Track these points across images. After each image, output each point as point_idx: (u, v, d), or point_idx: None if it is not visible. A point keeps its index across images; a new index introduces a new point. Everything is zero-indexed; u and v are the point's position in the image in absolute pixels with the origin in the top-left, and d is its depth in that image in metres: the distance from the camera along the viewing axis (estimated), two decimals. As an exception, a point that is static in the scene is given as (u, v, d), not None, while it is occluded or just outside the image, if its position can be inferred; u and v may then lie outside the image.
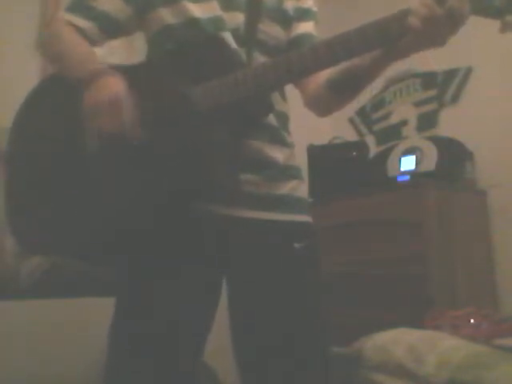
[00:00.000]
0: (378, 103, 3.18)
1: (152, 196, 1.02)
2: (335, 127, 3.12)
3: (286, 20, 1.19)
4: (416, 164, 2.49)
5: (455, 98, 2.79)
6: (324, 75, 1.13)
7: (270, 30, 1.16)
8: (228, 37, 1.09)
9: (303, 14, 1.22)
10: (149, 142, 1.01)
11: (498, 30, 0.90)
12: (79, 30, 1.13)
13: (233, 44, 1.09)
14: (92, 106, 1.01)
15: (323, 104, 1.20)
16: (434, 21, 0.89)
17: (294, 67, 0.98)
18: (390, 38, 0.94)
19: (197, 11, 1.11)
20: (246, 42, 1.11)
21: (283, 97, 1.19)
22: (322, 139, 2.95)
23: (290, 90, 1.22)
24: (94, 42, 1.15)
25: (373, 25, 0.93)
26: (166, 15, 1.12)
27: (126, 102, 0.99)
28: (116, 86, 1.01)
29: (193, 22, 1.10)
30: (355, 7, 3.15)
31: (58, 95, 1.14)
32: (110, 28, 1.15)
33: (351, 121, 3.33)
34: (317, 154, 2.83)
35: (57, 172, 1.08)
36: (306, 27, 1.21)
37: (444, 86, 2.83)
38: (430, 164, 2.43)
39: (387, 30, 0.93)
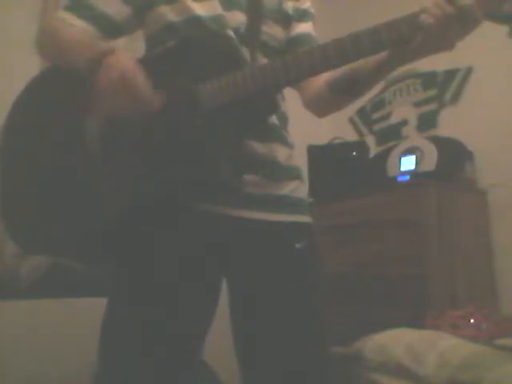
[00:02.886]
0: (378, 103, 3.18)
1: (153, 195, 1.02)
2: (335, 127, 3.12)
3: (286, 20, 1.19)
4: (416, 164, 2.49)
5: (455, 98, 2.79)
6: (325, 76, 1.13)
7: (272, 31, 1.16)
8: (231, 35, 1.09)
9: (302, 15, 1.22)
10: (151, 138, 1.01)
11: (507, 35, 0.91)
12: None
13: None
14: (106, 85, 0.96)
15: (323, 105, 1.20)
16: (446, 20, 0.90)
17: (304, 66, 0.97)
18: (401, 39, 0.93)
19: (199, 9, 1.10)
20: (250, 43, 1.11)
21: (282, 97, 1.19)
22: (321, 139, 2.95)
23: (289, 90, 1.22)
24: None
25: (384, 25, 0.93)
26: (168, 13, 1.11)
27: (139, 75, 0.96)
28: (127, 60, 0.97)
29: (195, 20, 1.10)
30: (355, 7, 3.16)
31: (55, 89, 1.12)
32: (109, 29, 1.14)
33: (351, 121, 3.33)
34: (317, 154, 2.82)
35: (53, 171, 1.07)
36: (304, 27, 1.21)
37: (444, 86, 2.83)
38: (430, 164, 2.43)
39: (398, 31, 0.92)
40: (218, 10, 1.11)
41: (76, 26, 1.11)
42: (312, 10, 1.25)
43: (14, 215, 1.11)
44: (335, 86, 1.12)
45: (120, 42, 1.21)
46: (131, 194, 1.02)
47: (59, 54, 1.10)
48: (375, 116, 3.21)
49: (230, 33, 1.09)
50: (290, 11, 1.20)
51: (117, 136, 1.02)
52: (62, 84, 1.09)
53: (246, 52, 1.09)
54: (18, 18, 2.31)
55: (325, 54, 0.96)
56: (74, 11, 1.13)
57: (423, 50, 0.96)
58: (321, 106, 1.21)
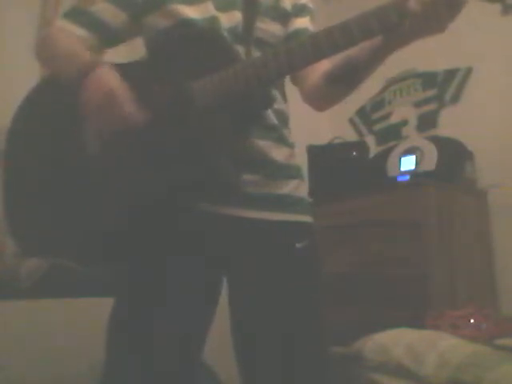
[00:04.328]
0: (378, 103, 3.18)
1: (152, 196, 1.02)
2: (335, 127, 3.12)
3: (284, 17, 1.19)
4: (416, 164, 2.49)
5: (455, 98, 2.79)
6: (322, 68, 1.12)
7: (269, 28, 1.16)
8: (223, 33, 1.09)
9: (300, 10, 1.22)
10: (149, 139, 1.01)
11: (500, 13, 0.91)
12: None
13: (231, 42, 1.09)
14: (89, 105, 0.99)
15: (322, 97, 1.20)
16: (433, 5, 0.90)
17: (295, 57, 0.97)
18: (390, 24, 0.93)
19: (191, 13, 1.10)
20: (244, 40, 1.11)
21: (283, 97, 1.19)
22: (322, 139, 2.95)
23: (290, 90, 1.22)
24: (92, 51, 1.13)
25: (372, 12, 0.93)
26: (158, 20, 1.12)
27: (121, 92, 0.98)
28: (108, 78, 0.99)
29: (188, 23, 1.10)
30: (355, 8, 3.16)
31: (57, 95, 1.13)
32: (107, 36, 1.14)
33: (351, 121, 3.33)
34: (317, 154, 2.82)
35: (55, 173, 1.08)
36: (302, 22, 1.21)
37: (444, 86, 2.83)
38: (430, 164, 2.43)
39: (387, 16, 0.92)
40: (211, 11, 1.11)
41: (74, 37, 1.11)
42: (310, 5, 1.25)
43: (16, 217, 1.11)
44: (333, 77, 1.12)
45: (121, 48, 1.22)
46: (131, 195, 1.02)
47: (52, 66, 1.13)
48: (375, 116, 3.20)
49: (224, 33, 1.09)
50: (289, 8, 1.20)
51: (116, 138, 1.02)
52: (64, 89, 1.09)
53: (241, 50, 1.09)
54: (18, 18, 2.31)
55: (315, 45, 0.95)
56: (73, 19, 1.14)
57: (414, 34, 0.96)
58: (320, 99, 1.21)
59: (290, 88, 1.23)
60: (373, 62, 1.06)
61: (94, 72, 0.99)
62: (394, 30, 0.95)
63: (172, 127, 1.01)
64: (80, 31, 1.13)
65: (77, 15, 1.15)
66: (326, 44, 0.95)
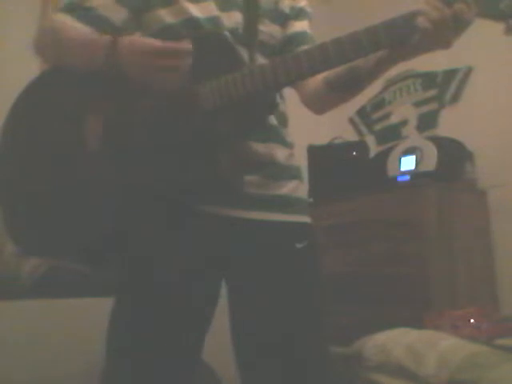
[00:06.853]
0: (378, 103, 3.18)
1: (153, 196, 1.02)
2: (335, 127, 3.12)
3: (282, 19, 1.19)
4: (416, 164, 2.49)
5: (455, 98, 2.79)
6: (323, 73, 1.12)
7: (269, 30, 1.16)
8: (228, 36, 1.09)
9: (298, 13, 1.22)
10: (151, 140, 1.01)
11: (503, 33, 0.92)
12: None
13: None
14: (142, 62, 0.98)
15: (321, 102, 1.20)
16: (443, 22, 0.91)
17: (303, 66, 0.97)
18: (399, 39, 0.94)
19: (195, 11, 1.10)
20: (248, 43, 1.11)
21: (281, 96, 1.19)
22: (322, 139, 2.96)
23: (289, 90, 1.22)
24: None
25: (382, 25, 0.94)
26: (165, 15, 1.11)
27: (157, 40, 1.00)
28: (145, 40, 1.01)
29: (192, 22, 1.10)
30: (356, 8, 3.16)
31: (51, 92, 1.11)
32: (107, 32, 1.11)
33: (351, 121, 3.33)
34: (317, 154, 2.83)
35: (54, 171, 1.07)
36: (300, 26, 1.22)
37: (444, 86, 2.84)
38: (430, 164, 2.44)
39: (396, 31, 0.93)
40: (213, 11, 1.11)
41: (78, 25, 1.10)
42: (308, 9, 1.25)
43: (14, 216, 1.11)
44: (334, 84, 1.12)
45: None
46: (131, 195, 1.02)
47: (63, 54, 1.10)
48: (375, 116, 3.21)
49: (227, 33, 1.09)
50: (287, 10, 1.20)
51: (116, 137, 1.02)
52: (62, 85, 1.09)
53: (244, 52, 1.09)
54: (18, 18, 2.31)
55: (324, 54, 0.96)
56: (72, 13, 1.12)
57: (421, 48, 0.98)
58: (319, 103, 1.21)
59: (290, 88, 1.23)
60: (375, 72, 1.07)
61: (122, 40, 1.00)
62: (402, 44, 0.96)
63: (176, 128, 1.01)
64: (80, 25, 1.10)
65: (76, 10, 1.12)
66: (334, 55, 0.95)
